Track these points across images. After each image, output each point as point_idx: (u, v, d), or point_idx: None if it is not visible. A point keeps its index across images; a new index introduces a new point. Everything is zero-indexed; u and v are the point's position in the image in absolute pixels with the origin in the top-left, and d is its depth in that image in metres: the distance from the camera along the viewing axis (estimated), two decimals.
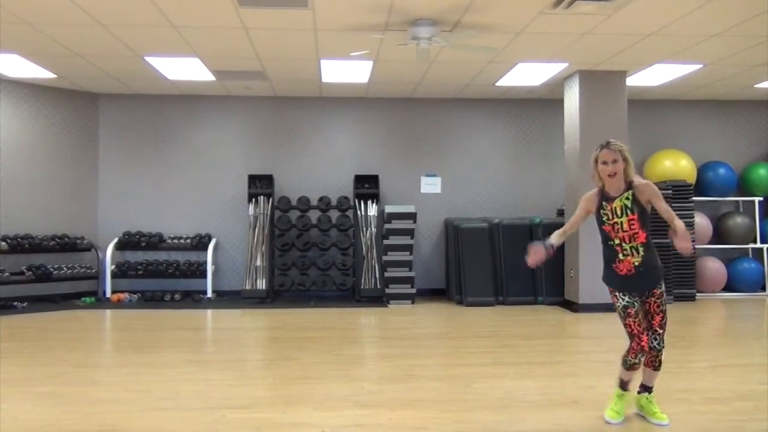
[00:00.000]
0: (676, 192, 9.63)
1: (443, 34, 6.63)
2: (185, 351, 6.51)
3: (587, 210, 4.14)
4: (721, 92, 10.15)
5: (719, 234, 10.48)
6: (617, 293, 4.05)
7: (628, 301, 4.01)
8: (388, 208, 9.80)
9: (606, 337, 7.29)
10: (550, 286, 9.38)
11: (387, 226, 9.69)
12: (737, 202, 10.77)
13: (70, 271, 9.57)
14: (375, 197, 10.07)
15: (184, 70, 8.58)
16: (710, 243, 10.39)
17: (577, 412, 4.32)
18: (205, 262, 9.97)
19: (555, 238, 4.14)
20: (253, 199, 10.04)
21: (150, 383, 5.10)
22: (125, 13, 6.32)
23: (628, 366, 4.09)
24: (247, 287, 9.68)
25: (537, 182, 10.71)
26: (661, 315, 4.03)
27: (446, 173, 10.63)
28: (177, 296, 9.68)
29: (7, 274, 8.96)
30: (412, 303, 9.52)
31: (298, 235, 9.95)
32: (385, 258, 9.67)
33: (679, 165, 10.19)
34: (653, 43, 7.40)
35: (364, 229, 9.89)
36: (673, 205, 9.42)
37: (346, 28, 6.76)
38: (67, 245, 9.61)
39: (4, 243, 8.99)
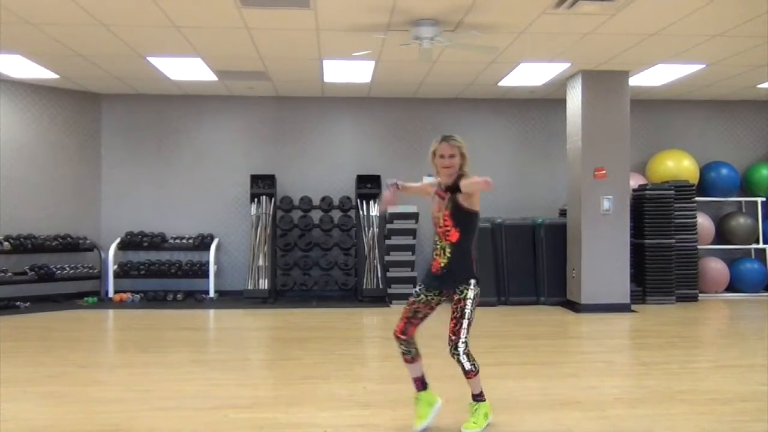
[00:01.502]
0: (679, 192, 9.61)
1: (446, 34, 6.62)
2: (188, 351, 6.52)
3: (426, 191, 4.07)
4: (723, 92, 10.13)
5: (722, 234, 10.47)
6: (421, 284, 4.01)
7: (416, 291, 3.99)
8: (390, 208, 9.80)
9: (608, 337, 7.29)
10: (552, 286, 9.38)
11: (389, 226, 9.70)
12: (740, 202, 10.75)
13: (72, 271, 9.58)
14: (377, 197, 10.08)
15: (187, 70, 8.59)
16: (713, 243, 10.38)
17: (579, 412, 4.32)
18: (208, 262, 9.98)
19: (400, 182, 4.01)
20: (256, 199, 10.05)
21: (152, 383, 5.11)
22: (128, 13, 6.33)
23: (400, 355, 4.01)
24: (250, 287, 9.68)
25: (539, 182, 10.70)
26: (455, 322, 3.87)
27: None
28: (179, 296, 9.69)
29: (10, 274, 8.97)
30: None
31: (301, 235, 9.95)
32: (387, 258, 9.67)
33: (681, 165, 10.18)
34: (656, 43, 7.40)
35: (366, 229, 9.89)
36: (675, 205, 9.48)
37: (349, 28, 6.76)
38: (70, 245, 9.63)
39: (7, 243, 9.01)
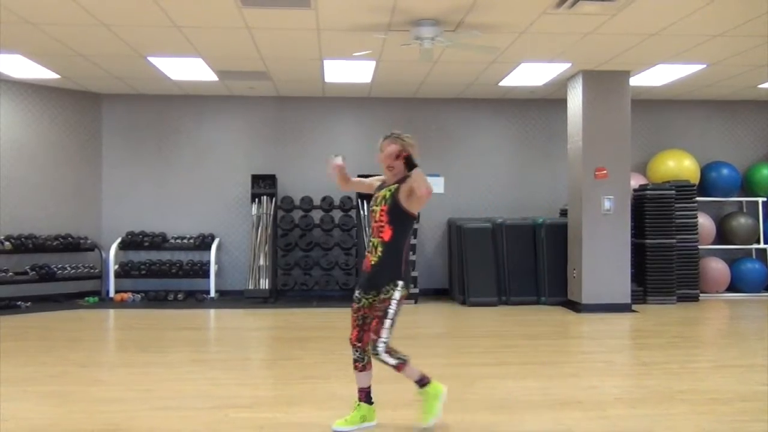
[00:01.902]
0: (680, 192, 9.61)
1: (446, 34, 6.63)
2: (188, 350, 6.52)
3: (369, 185, 4.08)
4: (724, 92, 10.13)
5: (723, 234, 10.46)
6: (358, 288, 3.97)
7: (356, 296, 3.94)
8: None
9: (608, 337, 7.29)
10: (553, 286, 9.38)
11: None
12: (741, 202, 10.75)
13: (73, 270, 9.59)
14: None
15: (187, 70, 8.59)
16: (714, 243, 10.38)
17: (580, 412, 4.32)
18: (208, 262, 9.99)
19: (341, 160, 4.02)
20: (256, 199, 10.06)
21: (153, 383, 5.11)
22: (128, 13, 6.33)
23: (352, 362, 3.97)
24: (250, 287, 9.69)
25: (540, 182, 10.70)
26: (377, 321, 3.80)
27: (449, 173, 10.63)
28: (180, 296, 9.70)
29: (10, 273, 8.98)
30: (415, 303, 9.52)
31: (301, 234, 9.96)
32: None
33: (682, 165, 10.17)
34: (656, 44, 7.39)
35: (367, 228, 9.89)
36: (676, 205, 9.49)
37: (349, 28, 6.77)
38: (71, 245, 9.64)
39: (7, 243, 9.01)
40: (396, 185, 3.85)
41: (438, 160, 10.60)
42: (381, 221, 3.81)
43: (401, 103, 10.58)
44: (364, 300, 3.91)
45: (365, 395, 4.00)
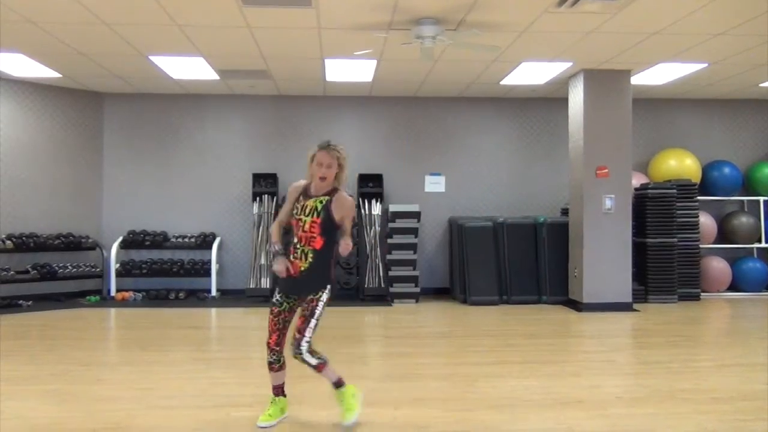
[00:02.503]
0: (681, 191, 9.61)
1: (447, 32, 6.62)
2: (190, 349, 6.53)
3: (291, 197, 4.03)
4: (726, 91, 10.12)
5: (724, 233, 10.46)
6: (276, 288, 4.01)
7: (277, 300, 3.97)
8: (392, 207, 9.81)
9: (610, 336, 7.29)
10: (554, 285, 9.37)
11: (391, 225, 9.69)
12: (742, 201, 10.74)
13: (74, 269, 9.60)
14: (379, 196, 10.07)
15: (189, 69, 8.59)
16: (715, 242, 10.37)
17: (581, 411, 4.32)
18: (210, 261, 9.99)
19: (276, 240, 4.02)
20: (258, 198, 10.06)
21: (155, 381, 5.12)
22: (129, 12, 6.33)
23: (268, 364, 4.03)
24: (252, 286, 9.69)
25: (541, 181, 10.69)
26: (303, 320, 3.87)
27: (450, 172, 10.63)
28: (181, 295, 9.70)
29: (12, 272, 8.99)
30: (416, 302, 9.53)
31: None
32: (389, 257, 9.67)
33: (683, 164, 10.17)
34: (658, 42, 7.39)
35: (368, 228, 9.89)
36: (677, 204, 9.48)
37: (350, 27, 6.76)
38: (72, 244, 9.64)
39: (9, 242, 9.02)
40: (326, 197, 3.88)
41: (439, 158, 10.60)
42: (312, 232, 3.85)
43: (402, 102, 10.57)
44: (285, 303, 3.95)
45: (281, 390, 4.12)
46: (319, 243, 3.85)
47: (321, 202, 3.87)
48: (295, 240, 3.92)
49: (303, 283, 3.90)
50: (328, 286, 3.95)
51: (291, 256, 3.92)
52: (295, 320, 3.97)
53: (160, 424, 4.06)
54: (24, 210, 9.42)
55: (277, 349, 3.98)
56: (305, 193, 3.96)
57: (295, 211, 3.94)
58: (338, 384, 4.04)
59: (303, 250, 3.88)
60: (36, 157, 9.59)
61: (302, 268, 3.87)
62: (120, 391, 4.83)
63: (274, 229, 4.10)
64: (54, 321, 8.03)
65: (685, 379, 5.19)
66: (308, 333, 3.87)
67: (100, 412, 4.30)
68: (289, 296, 3.96)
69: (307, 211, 3.88)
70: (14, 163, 9.35)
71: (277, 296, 3.98)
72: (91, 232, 10.04)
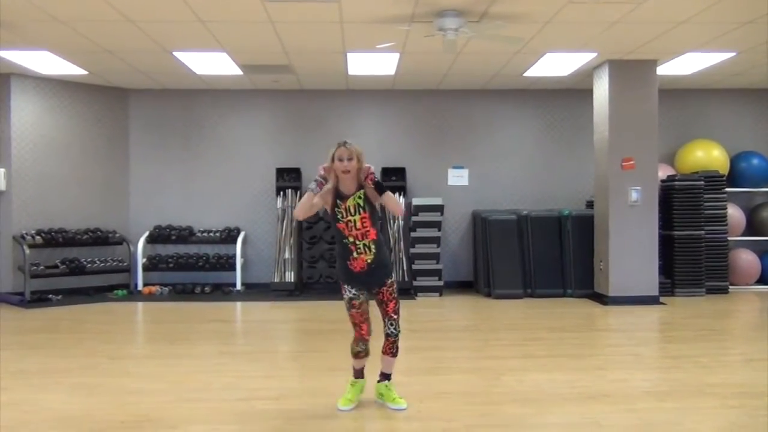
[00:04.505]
0: (709, 183, 9.46)
1: (470, 24, 6.58)
2: (216, 343, 6.60)
3: (325, 201, 4.07)
4: (754, 80, 9.93)
5: (753, 225, 10.28)
6: (346, 286, 4.13)
7: (354, 294, 4.10)
8: (416, 201, 9.79)
9: (636, 330, 7.22)
10: (579, 278, 9.30)
11: (414, 218, 9.69)
12: None
13: (102, 264, 9.73)
14: (402, 189, 10.07)
15: (212, 64, 8.65)
16: (744, 234, 10.20)
17: (607, 405, 4.28)
18: (235, 255, 10.07)
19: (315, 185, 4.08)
20: (281, 192, 10.11)
21: (182, 374, 5.18)
22: (153, 8, 6.39)
23: (354, 354, 4.23)
24: (276, 280, 9.76)
25: (566, 173, 10.59)
26: (394, 302, 4.13)
27: (473, 165, 10.58)
28: (207, 289, 9.80)
29: (42, 267, 9.15)
30: (440, 295, 9.52)
31: (326, 227, 9.98)
32: (412, 250, 9.67)
33: (711, 155, 10.00)
34: (685, 32, 7.27)
35: (391, 221, 9.89)
36: (705, 196, 9.35)
37: (373, 20, 6.75)
38: (100, 239, 9.78)
39: (39, 237, 9.18)
40: (360, 191, 4.05)
41: (462, 151, 10.56)
42: (365, 227, 4.03)
43: (425, 95, 10.54)
44: (361, 296, 4.11)
45: (362, 373, 4.35)
46: (373, 233, 4.05)
47: (360, 197, 4.04)
48: (351, 239, 4.03)
49: (375, 273, 4.08)
50: (392, 271, 4.26)
51: (352, 255, 4.04)
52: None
53: (187, 416, 4.11)
54: (53, 206, 9.57)
55: (368, 338, 4.20)
56: (339, 196, 4.05)
57: (339, 216, 4.04)
58: (388, 376, 4.31)
59: (364, 244, 4.03)
60: (64, 154, 9.73)
61: (369, 261, 4.04)
62: (148, 383, 4.90)
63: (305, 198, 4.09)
64: (83, 315, 8.16)
65: (713, 373, 5.13)
66: (400, 313, 4.18)
67: (129, 404, 4.37)
68: (361, 290, 4.11)
69: (352, 210, 4.03)
70: (43, 160, 9.50)
71: (350, 292, 4.11)
72: (118, 227, 10.17)
